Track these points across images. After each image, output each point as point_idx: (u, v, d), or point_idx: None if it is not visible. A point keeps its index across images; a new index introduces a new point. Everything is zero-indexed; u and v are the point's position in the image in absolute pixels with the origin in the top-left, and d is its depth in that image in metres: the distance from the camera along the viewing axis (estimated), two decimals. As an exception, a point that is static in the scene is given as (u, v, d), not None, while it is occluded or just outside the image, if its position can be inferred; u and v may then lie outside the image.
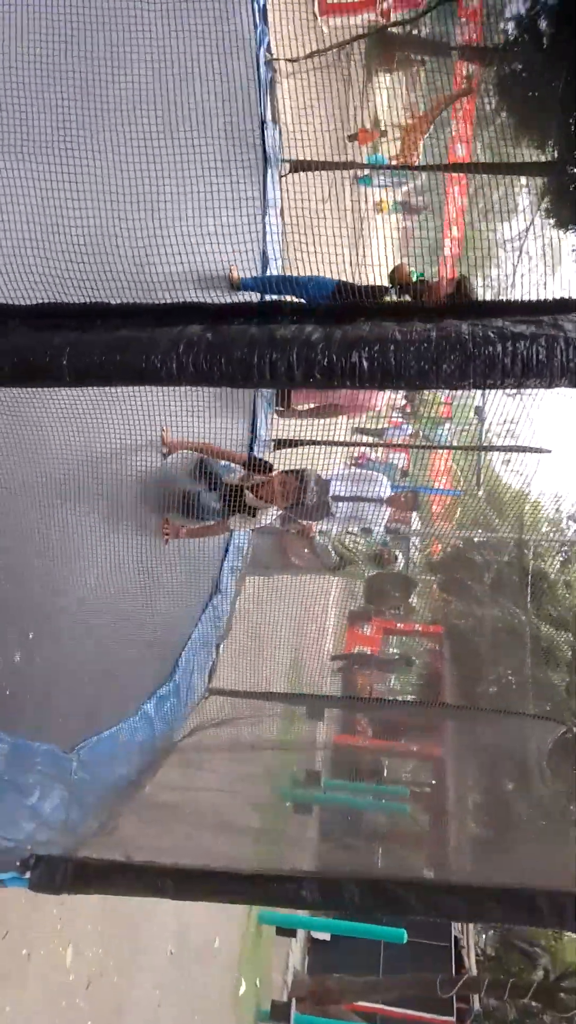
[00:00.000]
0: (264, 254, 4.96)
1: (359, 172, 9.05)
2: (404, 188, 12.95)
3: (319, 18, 7.62)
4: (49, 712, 3.02)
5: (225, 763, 5.09)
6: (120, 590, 3.72)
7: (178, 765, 3.80)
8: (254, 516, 4.37)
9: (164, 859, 2.64)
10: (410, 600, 11.42)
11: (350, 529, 6.41)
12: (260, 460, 4.51)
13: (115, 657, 3.66)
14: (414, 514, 11.39)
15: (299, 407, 5.50)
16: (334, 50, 7.24)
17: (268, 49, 4.39)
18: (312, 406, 5.55)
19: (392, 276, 4.40)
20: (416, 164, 11.57)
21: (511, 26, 11.53)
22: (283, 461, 5.70)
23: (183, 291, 3.80)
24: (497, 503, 11.98)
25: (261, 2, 4.26)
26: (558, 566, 11.59)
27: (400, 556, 6.50)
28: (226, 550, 4.96)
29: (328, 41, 7.78)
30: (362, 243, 9.46)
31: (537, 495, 12.41)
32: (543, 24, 11.01)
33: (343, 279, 4.53)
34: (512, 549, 10.82)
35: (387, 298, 4.37)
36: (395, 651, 12.19)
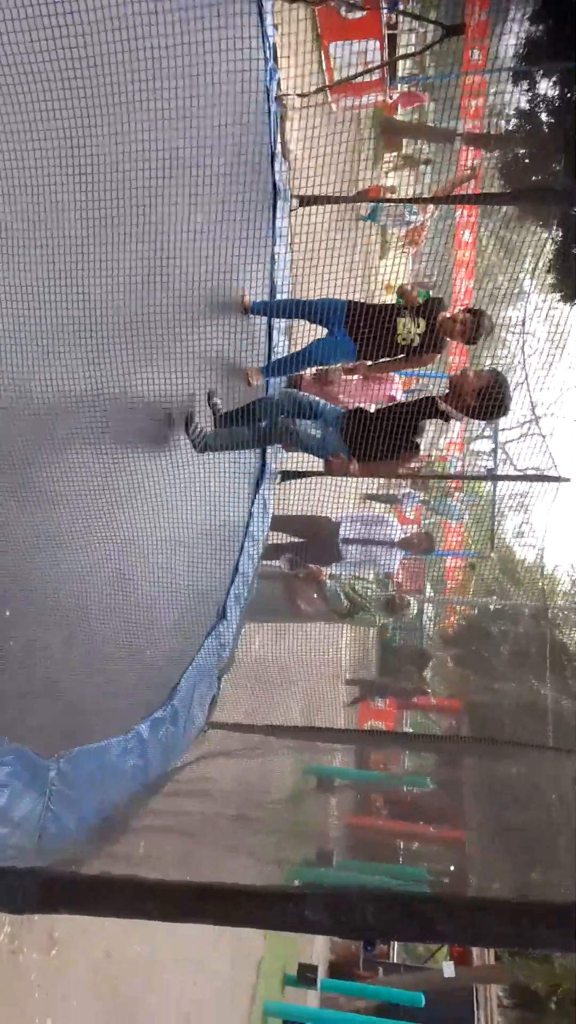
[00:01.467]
0: (272, 283, 4.97)
1: (364, 210, 9.35)
2: (412, 269, 13.34)
3: (329, 99, 8.05)
4: (27, 713, 2.71)
5: (228, 823, 4.65)
6: (122, 601, 3.46)
7: (173, 796, 3.42)
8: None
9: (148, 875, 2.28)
10: (425, 675, 10.95)
11: (360, 574, 6.14)
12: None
13: (110, 672, 3.35)
14: (427, 582, 11.06)
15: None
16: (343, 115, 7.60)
17: (278, 84, 4.54)
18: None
19: (401, 295, 4.35)
20: (422, 244, 11.93)
21: (512, 120, 12.17)
22: (290, 495, 5.52)
23: (194, 321, 3.80)
24: (511, 572, 11.67)
25: (271, 40, 4.44)
26: (578, 637, 11.15)
27: (413, 603, 6.18)
28: (232, 577, 4.71)
29: (339, 120, 8.17)
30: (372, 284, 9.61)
31: (552, 567, 12.04)
32: (543, 116, 11.61)
33: (353, 299, 4.50)
34: (528, 619, 10.43)
35: (401, 320, 4.30)
36: (409, 730, 11.61)
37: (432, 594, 10.58)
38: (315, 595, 5.93)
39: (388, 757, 11.01)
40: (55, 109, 2.65)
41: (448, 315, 4.28)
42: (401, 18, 9.38)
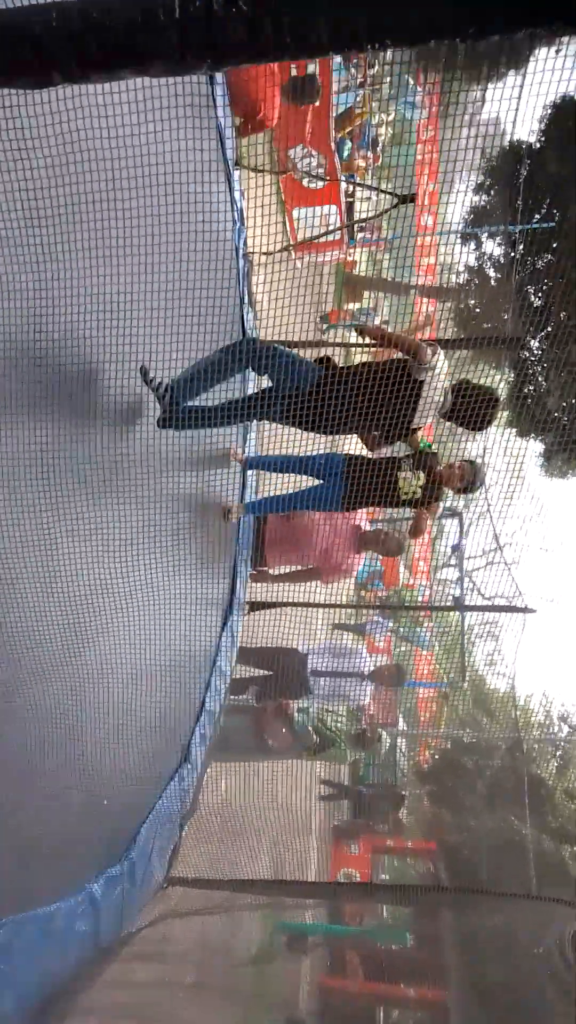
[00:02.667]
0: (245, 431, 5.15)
1: (325, 324, 9.80)
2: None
3: (293, 256, 8.71)
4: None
5: (187, 994, 4.21)
6: (77, 744, 3.29)
7: (127, 962, 3.10)
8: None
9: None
10: (400, 815, 10.45)
11: (330, 707, 5.98)
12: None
13: (62, 822, 3.13)
14: (400, 715, 10.80)
15: (274, 570, 5.37)
16: (306, 267, 8.18)
17: (244, 243, 4.91)
18: (287, 570, 5.42)
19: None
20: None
21: (462, 275, 13.21)
22: (258, 625, 5.45)
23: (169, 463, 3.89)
24: (484, 703, 11.46)
25: (239, 204, 4.84)
26: (554, 771, 10.83)
27: (385, 736, 6.00)
28: (198, 715, 4.53)
29: (303, 273, 8.80)
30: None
31: (524, 696, 11.88)
32: (490, 272, 12.63)
33: (351, 452, 4.59)
34: (504, 752, 10.14)
35: (402, 474, 4.34)
36: (385, 876, 10.93)
37: (405, 727, 10.29)
38: (283, 729, 5.73)
39: (364, 909, 10.28)
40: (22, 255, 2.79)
41: (448, 466, 4.36)
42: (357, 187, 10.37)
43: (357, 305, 12.20)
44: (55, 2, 1.20)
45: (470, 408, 3.87)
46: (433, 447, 4.48)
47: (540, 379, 12.22)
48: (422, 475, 4.24)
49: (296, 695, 5.86)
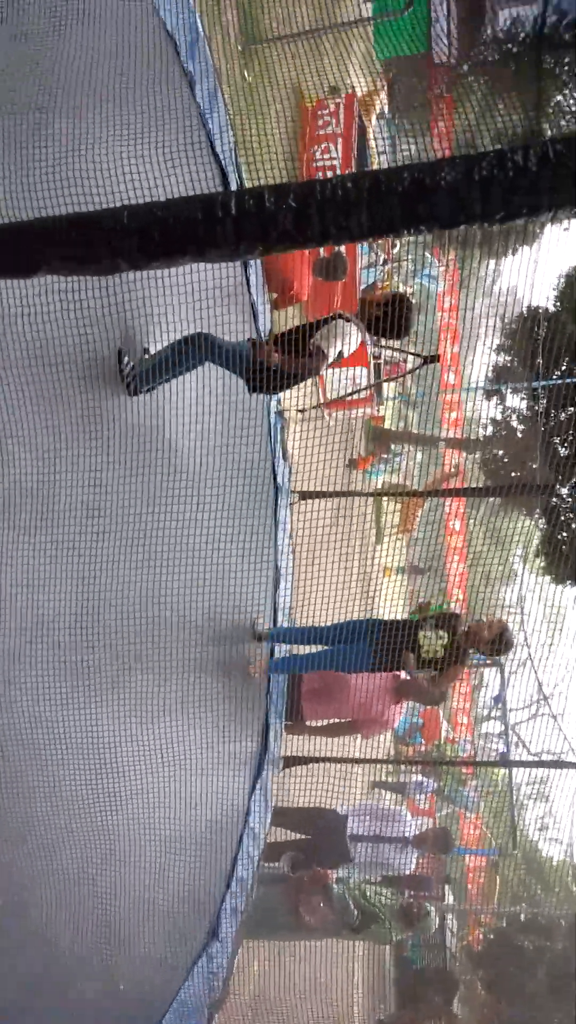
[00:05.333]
0: (276, 568, 5.18)
1: (368, 466, 9.94)
2: (407, 553, 14.00)
3: (326, 414, 9.15)
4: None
5: None
6: (98, 917, 3.08)
7: None
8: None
9: None
10: (453, 1006, 9.37)
11: (371, 877, 5.56)
12: None
13: (75, 1007, 2.86)
14: (447, 887, 9.97)
15: (311, 723, 5.18)
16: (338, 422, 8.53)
17: (279, 401, 5.18)
18: (325, 723, 5.23)
19: (421, 609, 4.51)
20: (415, 531, 12.65)
21: (488, 427, 13.65)
22: (293, 783, 5.19)
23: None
24: (538, 873, 10.53)
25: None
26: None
27: (432, 912, 5.49)
28: (228, 884, 4.21)
29: (333, 429, 9.19)
30: (371, 589, 9.91)
31: (583, 865, 10.97)
32: (515, 424, 13.04)
33: (373, 618, 4.63)
34: (565, 931, 9.19)
35: (423, 634, 4.34)
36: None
37: (453, 901, 9.42)
38: (321, 903, 5.29)
39: None
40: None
41: (476, 624, 4.34)
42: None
43: (386, 455, 12.60)
44: (125, 205, 1.38)
45: (386, 318, 3.77)
46: (453, 606, 4.49)
47: (573, 525, 12.23)
48: (444, 634, 4.20)
49: (335, 863, 5.46)
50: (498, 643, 4.21)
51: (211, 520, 3.91)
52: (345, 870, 5.43)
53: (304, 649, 4.96)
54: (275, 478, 5.40)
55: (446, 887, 10.01)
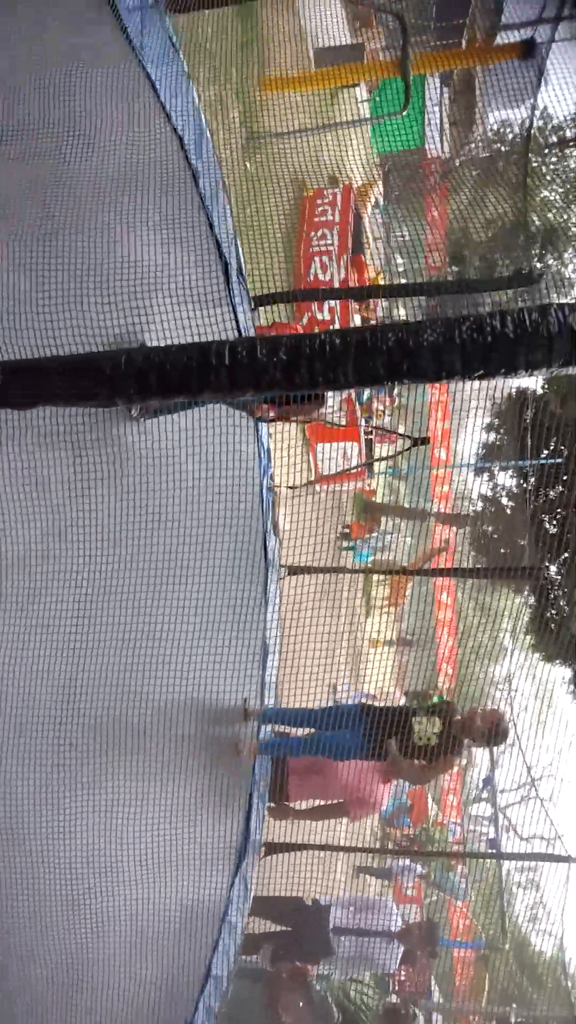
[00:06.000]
0: (264, 644, 5.13)
1: (346, 541, 9.92)
2: (396, 626, 13.90)
3: (318, 488, 9.23)
4: None
5: None
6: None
7: None
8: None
9: None
10: None
11: (355, 974, 5.31)
12: None
13: None
14: (432, 980, 9.52)
15: (296, 803, 5.02)
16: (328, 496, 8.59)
17: (271, 477, 5.24)
18: (311, 805, 5.07)
19: (412, 695, 4.48)
20: (405, 604, 12.60)
21: (478, 503, 13.78)
22: (273, 871, 5.00)
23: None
24: (530, 969, 10.06)
25: (265, 442, 5.24)
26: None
27: (420, 1016, 5.22)
28: (204, 983, 3.98)
29: (324, 503, 9.26)
30: (358, 662, 9.79)
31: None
32: (505, 500, 13.18)
33: (364, 702, 4.58)
34: (559, 1035, 8.72)
35: (416, 719, 4.28)
36: None
37: (440, 999, 8.96)
38: (300, 1002, 5.03)
39: None
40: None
41: (471, 712, 4.29)
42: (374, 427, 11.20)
43: (376, 533, 12.67)
44: (124, 349, 1.46)
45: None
46: (446, 697, 4.46)
47: (562, 603, 12.22)
48: (437, 721, 4.14)
49: (316, 957, 5.23)
50: (492, 734, 4.15)
51: (201, 595, 3.89)
52: (327, 966, 5.19)
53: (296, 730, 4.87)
54: (266, 553, 5.41)
55: (432, 982, 9.54)
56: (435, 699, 4.29)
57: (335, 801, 4.90)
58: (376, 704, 4.57)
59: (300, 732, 4.82)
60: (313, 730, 4.65)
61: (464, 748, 4.28)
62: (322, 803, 4.97)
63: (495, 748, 4.31)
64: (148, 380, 1.38)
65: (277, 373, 1.35)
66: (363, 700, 4.93)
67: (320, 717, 4.57)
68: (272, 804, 4.93)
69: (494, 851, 9.01)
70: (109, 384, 1.40)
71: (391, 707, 4.51)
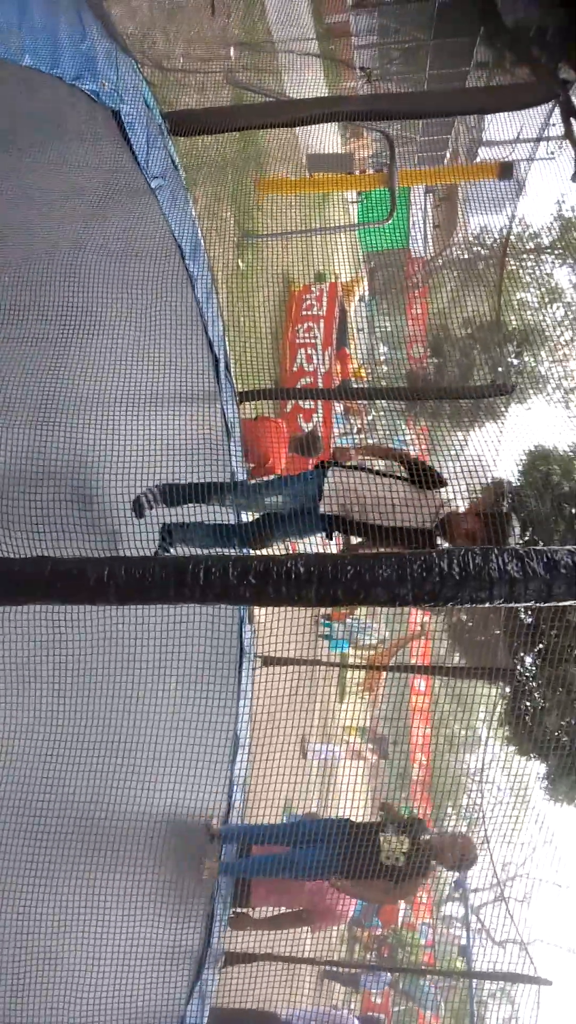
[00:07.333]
0: (236, 738, 5.04)
1: (323, 630, 9.87)
2: (369, 715, 13.70)
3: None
4: None
5: None
6: None
7: None
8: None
9: None
10: None
11: None
12: None
13: None
14: None
15: (259, 912, 4.82)
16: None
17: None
18: (275, 913, 4.88)
19: (384, 810, 4.35)
20: (378, 690, 12.52)
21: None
22: (233, 982, 4.77)
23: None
24: None
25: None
26: None
27: None
28: None
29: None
30: (331, 777, 9.55)
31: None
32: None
33: (333, 817, 4.43)
34: None
35: (383, 836, 4.13)
36: None
37: None
38: None
39: None
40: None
41: (439, 839, 4.15)
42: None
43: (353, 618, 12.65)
44: (107, 558, 1.57)
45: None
46: (415, 812, 4.34)
47: (536, 696, 12.18)
48: (406, 840, 4.01)
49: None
50: (460, 862, 4.04)
51: (172, 690, 3.83)
52: None
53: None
54: (241, 643, 5.39)
55: None
56: (404, 811, 4.14)
57: (298, 909, 4.72)
58: (341, 818, 4.38)
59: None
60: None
61: (431, 869, 4.13)
62: (286, 910, 4.78)
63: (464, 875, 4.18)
64: (126, 588, 1.47)
65: (246, 593, 1.46)
66: (323, 814, 4.74)
67: (284, 833, 4.41)
68: (233, 912, 4.74)
69: (465, 960, 8.67)
70: (90, 589, 1.48)
71: (357, 825, 4.32)
